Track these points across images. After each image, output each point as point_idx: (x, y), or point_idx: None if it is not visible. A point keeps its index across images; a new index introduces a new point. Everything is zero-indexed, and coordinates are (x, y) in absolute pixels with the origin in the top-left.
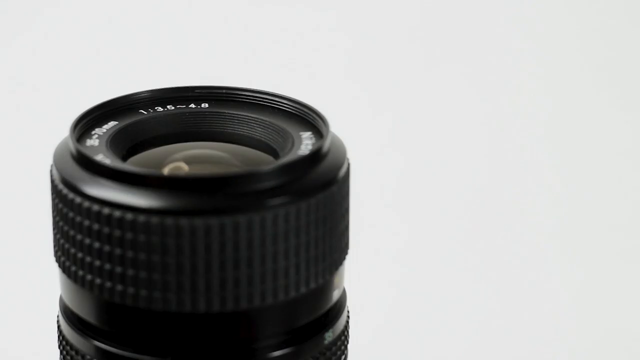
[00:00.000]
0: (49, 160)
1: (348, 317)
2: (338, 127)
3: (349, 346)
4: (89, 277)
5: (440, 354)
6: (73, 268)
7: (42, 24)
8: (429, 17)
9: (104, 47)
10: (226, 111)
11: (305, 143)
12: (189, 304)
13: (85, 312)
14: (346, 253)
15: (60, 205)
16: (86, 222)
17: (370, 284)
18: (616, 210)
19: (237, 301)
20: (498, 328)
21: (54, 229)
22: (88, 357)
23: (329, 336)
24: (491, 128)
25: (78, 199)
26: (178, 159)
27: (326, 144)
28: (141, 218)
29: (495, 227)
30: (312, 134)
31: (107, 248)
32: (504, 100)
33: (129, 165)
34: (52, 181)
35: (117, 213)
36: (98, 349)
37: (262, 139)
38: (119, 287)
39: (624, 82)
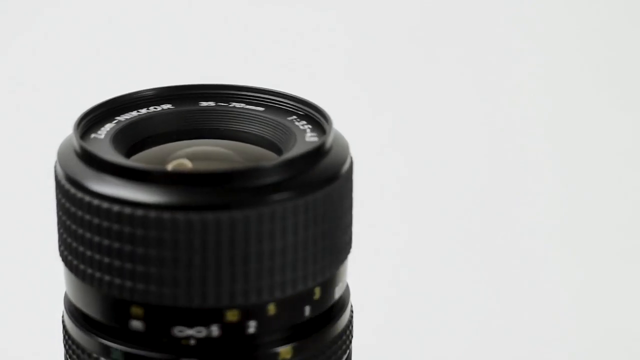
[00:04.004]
0: (53, 158)
1: (352, 313)
2: (339, 126)
3: (353, 342)
4: (97, 274)
5: (441, 352)
6: (81, 266)
7: (44, 24)
8: (429, 17)
9: (107, 46)
10: (229, 109)
11: (308, 139)
12: (198, 298)
13: (92, 309)
14: (350, 248)
15: (66, 203)
16: (95, 220)
17: (372, 282)
18: (616, 211)
19: (246, 296)
20: (499, 327)
21: (58, 226)
22: (94, 355)
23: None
24: (492, 127)
25: (86, 197)
26: (181, 156)
27: (329, 140)
28: (152, 214)
29: (496, 226)
30: (315, 130)
31: (116, 245)
32: (505, 100)
33: (136, 162)
34: (57, 179)
35: (127, 210)
36: (104, 346)
37: (265, 136)
38: (128, 284)
39: (624, 82)
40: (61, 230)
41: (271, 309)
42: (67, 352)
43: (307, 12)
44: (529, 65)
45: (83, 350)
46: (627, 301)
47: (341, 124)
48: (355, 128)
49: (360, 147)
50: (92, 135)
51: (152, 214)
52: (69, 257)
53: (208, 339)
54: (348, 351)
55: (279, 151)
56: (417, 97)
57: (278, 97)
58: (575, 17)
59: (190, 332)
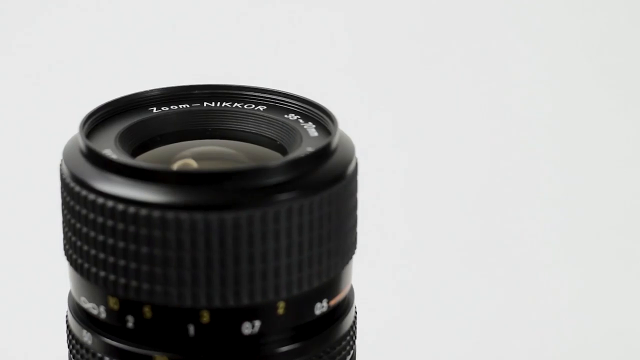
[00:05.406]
0: (58, 157)
1: (356, 313)
2: (344, 127)
3: (357, 342)
4: (102, 273)
5: (445, 353)
6: (86, 265)
7: (51, 23)
8: (432, 16)
9: (113, 46)
10: (234, 109)
11: (314, 140)
12: (204, 299)
13: (96, 309)
14: (355, 249)
15: (71, 202)
16: (100, 219)
17: (376, 282)
18: (618, 211)
19: (252, 296)
20: (503, 328)
21: (64, 225)
22: (98, 354)
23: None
24: (495, 129)
25: (91, 196)
26: (187, 156)
27: (334, 141)
28: (156, 213)
29: (500, 228)
30: (320, 131)
31: (121, 244)
32: (509, 99)
33: (141, 162)
34: (62, 178)
35: (132, 209)
36: (109, 346)
37: (270, 136)
38: (134, 283)
39: (625, 82)
40: (66, 229)
41: (276, 309)
42: (71, 351)
43: (314, 11)
44: (531, 65)
45: (87, 350)
46: (628, 302)
47: (346, 124)
48: (359, 128)
49: (365, 147)
50: (97, 135)
51: (156, 213)
52: (74, 256)
53: (213, 338)
54: (352, 351)
55: (284, 151)
56: (422, 98)
57: (283, 97)
58: (576, 17)
59: (196, 331)
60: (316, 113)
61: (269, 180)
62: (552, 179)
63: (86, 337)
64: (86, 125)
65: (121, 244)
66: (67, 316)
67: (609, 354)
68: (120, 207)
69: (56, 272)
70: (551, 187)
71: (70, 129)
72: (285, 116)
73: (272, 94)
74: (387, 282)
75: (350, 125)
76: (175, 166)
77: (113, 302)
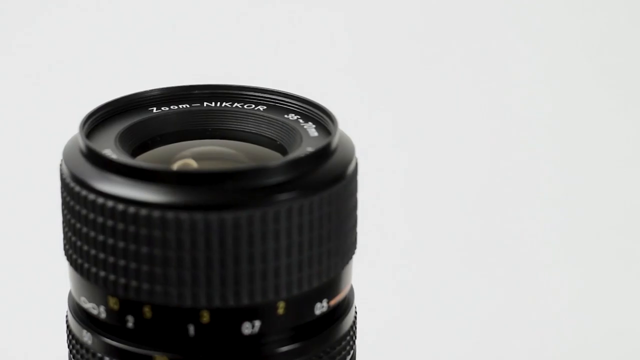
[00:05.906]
0: (58, 157)
1: (356, 313)
2: (344, 127)
3: (357, 342)
4: (102, 273)
5: (445, 353)
6: (86, 265)
7: (51, 23)
8: (432, 16)
9: (113, 46)
10: (234, 109)
11: (314, 140)
12: (204, 299)
13: (96, 309)
14: (355, 249)
15: (71, 202)
16: (100, 219)
17: (376, 282)
18: (619, 211)
19: (252, 296)
20: (502, 328)
21: (64, 225)
22: (98, 354)
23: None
24: (495, 127)
25: (91, 196)
26: (187, 156)
27: (334, 141)
28: (156, 213)
29: (500, 228)
30: (320, 131)
31: (121, 244)
32: (509, 99)
33: (141, 162)
34: (62, 178)
35: (132, 209)
36: (109, 346)
37: (270, 136)
38: (134, 283)
39: (625, 82)
40: (66, 229)
41: (276, 309)
42: (71, 351)
43: (313, 11)
44: (531, 65)
45: (87, 350)
46: (628, 302)
47: (346, 124)
48: (359, 128)
49: (365, 147)
50: (97, 135)
51: (156, 213)
52: (74, 256)
53: (213, 337)
54: (352, 351)
55: (284, 151)
56: (422, 98)
57: (283, 97)
58: (576, 16)
59: (196, 331)
60: (316, 113)
61: (269, 180)
62: (552, 179)
63: (86, 337)
64: (86, 125)
65: (121, 244)
66: (67, 316)
67: (609, 354)
68: (120, 207)
69: (56, 272)
70: (551, 187)
71: (70, 129)
72: (285, 116)
73: (272, 94)
74: (387, 282)
75: (350, 125)
76: (175, 166)
77: (113, 302)
